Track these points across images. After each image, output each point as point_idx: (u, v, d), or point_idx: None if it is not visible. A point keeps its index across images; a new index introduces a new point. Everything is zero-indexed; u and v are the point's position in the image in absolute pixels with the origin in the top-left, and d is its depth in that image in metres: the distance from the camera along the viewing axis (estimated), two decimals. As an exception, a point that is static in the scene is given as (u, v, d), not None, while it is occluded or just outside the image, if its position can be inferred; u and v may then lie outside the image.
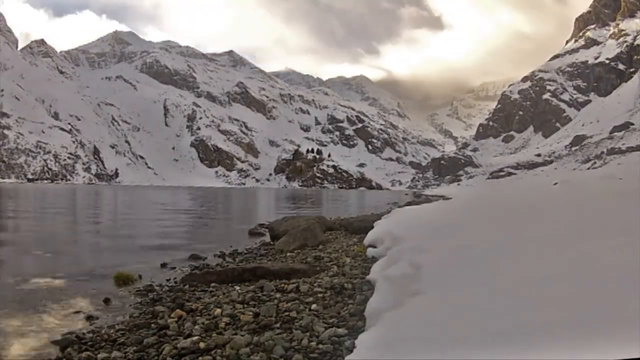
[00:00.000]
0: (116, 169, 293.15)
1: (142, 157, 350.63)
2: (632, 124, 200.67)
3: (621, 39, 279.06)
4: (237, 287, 7.46)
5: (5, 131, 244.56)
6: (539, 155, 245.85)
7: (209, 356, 4.56)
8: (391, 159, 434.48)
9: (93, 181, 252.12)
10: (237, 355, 4.51)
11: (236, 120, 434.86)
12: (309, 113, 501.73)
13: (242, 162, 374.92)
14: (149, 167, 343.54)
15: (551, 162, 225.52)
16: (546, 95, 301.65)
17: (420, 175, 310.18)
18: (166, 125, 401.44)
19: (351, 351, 3.74)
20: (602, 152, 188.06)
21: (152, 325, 5.77)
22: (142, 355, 4.82)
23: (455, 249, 5.77)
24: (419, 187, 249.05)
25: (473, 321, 3.04)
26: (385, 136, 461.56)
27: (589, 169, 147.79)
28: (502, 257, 5.03)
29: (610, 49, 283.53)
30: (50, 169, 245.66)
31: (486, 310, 3.22)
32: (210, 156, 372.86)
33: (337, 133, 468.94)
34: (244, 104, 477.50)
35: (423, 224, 10.48)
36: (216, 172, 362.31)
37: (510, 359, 2.42)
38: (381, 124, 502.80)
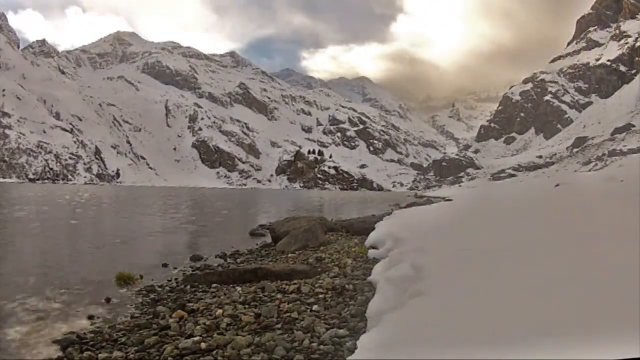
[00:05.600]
0: (118, 170, 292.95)
1: (143, 158, 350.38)
2: (634, 126, 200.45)
3: (623, 41, 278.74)
4: (239, 288, 7.47)
5: (7, 131, 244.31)
6: (540, 157, 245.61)
7: (211, 357, 4.58)
8: (393, 161, 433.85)
9: (94, 182, 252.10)
10: (239, 355, 4.52)
11: (238, 121, 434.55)
12: (310, 114, 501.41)
13: (244, 163, 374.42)
14: (150, 168, 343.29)
15: (552, 164, 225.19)
16: (548, 97, 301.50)
17: (422, 177, 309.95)
18: (168, 126, 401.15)
19: (352, 352, 3.77)
20: (604, 154, 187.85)
21: (154, 325, 5.78)
22: (144, 356, 4.83)
23: (456, 250, 5.77)
24: (420, 188, 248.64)
25: (474, 322, 3.04)
26: (387, 138, 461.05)
27: (590, 171, 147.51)
28: (503, 259, 5.04)
29: (611, 51, 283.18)
30: (52, 169, 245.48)
31: (487, 312, 3.23)
32: (212, 157, 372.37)
33: (339, 134, 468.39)
34: (245, 105, 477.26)
35: (424, 225, 10.47)
36: (217, 173, 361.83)
37: (511, 359, 2.42)
38: (383, 126, 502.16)
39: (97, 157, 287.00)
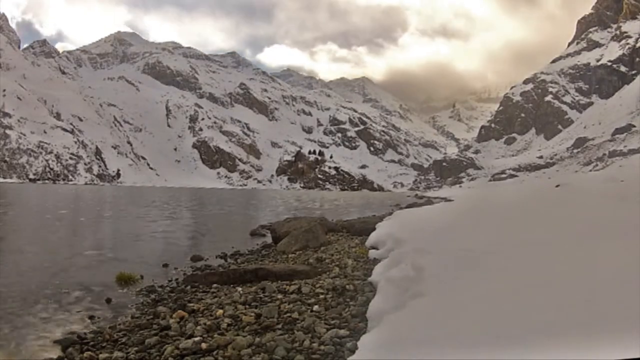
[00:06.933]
0: (118, 170, 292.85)
1: (144, 158, 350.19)
2: (634, 126, 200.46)
3: (623, 41, 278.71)
4: (239, 288, 7.46)
5: (7, 131, 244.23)
6: (540, 157, 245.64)
7: (211, 357, 4.57)
8: (393, 161, 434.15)
9: (94, 182, 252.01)
10: (239, 356, 4.52)
11: (238, 121, 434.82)
12: (311, 114, 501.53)
13: (244, 163, 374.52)
14: (150, 168, 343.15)
15: (553, 164, 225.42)
16: (548, 97, 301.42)
17: (422, 177, 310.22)
18: (168, 126, 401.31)
19: (353, 352, 3.77)
20: (604, 155, 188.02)
21: (154, 325, 5.77)
22: (144, 356, 4.83)
23: (457, 251, 5.76)
24: (420, 189, 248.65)
25: (474, 323, 3.04)
26: (387, 138, 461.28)
27: (590, 171, 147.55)
28: (504, 259, 5.04)
29: (612, 51, 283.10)
30: (52, 169, 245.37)
31: (487, 312, 3.24)
32: (212, 157, 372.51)
33: (339, 135, 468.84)
34: (246, 105, 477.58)
35: (425, 226, 10.47)
36: (218, 173, 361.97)
37: (511, 359, 2.43)
38: (383, 126, 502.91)
39: (98, 157, 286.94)
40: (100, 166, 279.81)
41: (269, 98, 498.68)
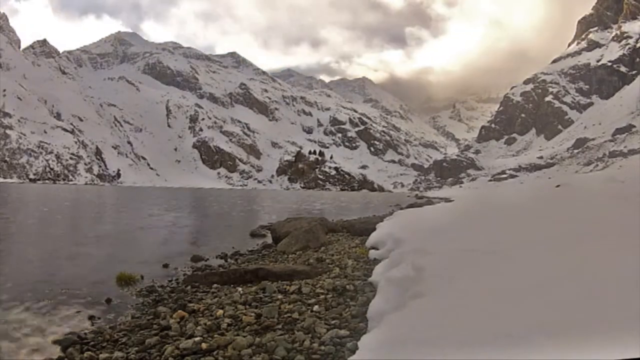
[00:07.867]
0: (118, 170, 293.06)
1: (144, 158, 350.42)
2: (634, 127, 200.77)
3: (623, 42, 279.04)
4: (239, 289, 7.45)
5: (8, 131, 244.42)
6: (541, 157, 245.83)
7: (211, 357, 4.57)
8: (393, 161, 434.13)
9: (95, 182, 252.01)
10: (239, 356, 4.52)
11: (238, 121, 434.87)
12: (311, 115, 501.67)
13: (244, 163, 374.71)
14: (151, 168, 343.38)
15: (553, 164, 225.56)
16: (548, 98, 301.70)
17: (422, 178, 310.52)
18: (168, 126, 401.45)
19: (353, 352, 3.77)
20: (604, 155, 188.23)
21: (154, 325, 5.77)
22: (144, 356, 4.83)
23: (457, 251, 5.76)
24: (421, 189, 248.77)
25: (475, 323, 3.05)
26: (388, 138, 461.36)
27: (590, 171, 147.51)
28: (504, 259, 5.03)
29: (612, 52, 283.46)
30: (52, 169, 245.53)
31: (488, 312, 3.23)
32: (212, 157, 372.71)
33: (340, 135, 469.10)
34: (246, 106, 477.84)
35: (425, 226, 10.46)
36: (218, 173, 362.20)
37: (511, 359, 2.45)
38: (383, 126, 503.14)
39: (98, 157, 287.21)
40: (100, 166, 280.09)
41: (269, 98, 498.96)
